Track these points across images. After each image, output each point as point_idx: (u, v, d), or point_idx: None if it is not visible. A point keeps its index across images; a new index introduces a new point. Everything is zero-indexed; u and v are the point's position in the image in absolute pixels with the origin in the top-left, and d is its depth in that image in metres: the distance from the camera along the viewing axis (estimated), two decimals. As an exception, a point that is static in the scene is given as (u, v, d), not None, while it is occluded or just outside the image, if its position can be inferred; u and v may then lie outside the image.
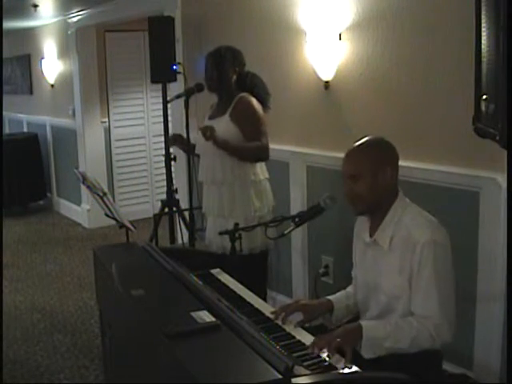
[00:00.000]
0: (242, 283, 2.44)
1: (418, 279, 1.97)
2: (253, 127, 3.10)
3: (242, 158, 3.10)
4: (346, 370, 1.70)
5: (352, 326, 1.95)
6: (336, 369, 1.71)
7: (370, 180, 2.02)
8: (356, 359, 1.80)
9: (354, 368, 1.71)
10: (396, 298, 2.03)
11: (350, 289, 2.34)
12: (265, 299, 2.38)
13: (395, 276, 2.02)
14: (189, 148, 3.43)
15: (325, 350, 1.79)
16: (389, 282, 2.04)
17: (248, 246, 3.04)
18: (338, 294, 2.30)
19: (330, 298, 2.25)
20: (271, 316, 2.11)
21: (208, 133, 3.01)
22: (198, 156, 3.39)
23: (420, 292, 1.96)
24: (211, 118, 3.26)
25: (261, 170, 3.22)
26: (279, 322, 2.06)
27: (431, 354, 2.02)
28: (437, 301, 1.94)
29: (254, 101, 3.14)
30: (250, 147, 3.10)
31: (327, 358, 1.76)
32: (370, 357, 1.88)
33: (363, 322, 1.95)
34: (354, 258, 2.31)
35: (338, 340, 1.81)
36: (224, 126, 3.09)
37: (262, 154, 3.14)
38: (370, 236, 2.12)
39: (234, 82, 3.18)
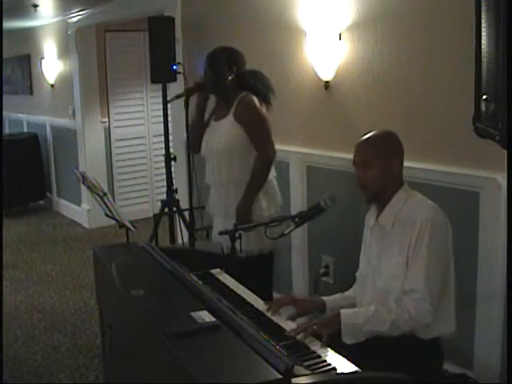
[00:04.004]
0: (244, 284, 2.44)
1: (412, 254, 2.03)
2: (259, 129, 3.07)
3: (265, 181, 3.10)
4: (322, 351, 1.81)
5: (331, 314, 2.08)
6: (336, 369, 1.71)
7: (380, 168, 2.12)
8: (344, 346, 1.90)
9: (346, 362, 1.74)
10: (393, 278, 2.07)
11: (347, 292, 2.37)
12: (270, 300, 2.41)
13: (395, 255, 2.08)
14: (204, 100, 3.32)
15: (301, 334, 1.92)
16: (389, 264, 2.10)
17: (256, 246, 3.05)
18: (333, 296, 2.35)
19: (323, 298, 2.31)
20: (267, 312, 2.12)
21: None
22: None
23: (412, 268, 2.03)
24: (216, 119, 3.22)
25: None
26: (269, 315, 2.11)
27: (432, 351, 2.03)
28: (423, 277, 1.99)
29: (256, 100, 3.11)
30: (263, 172, 3.07)
31: (302, 340, 1.88)
32: (351, 342, 1.98)
33: (342, 310, 2.03)
34: (361, 251, 2.35)
35: (315, 327, 1.93)
36: (228, 127, 3.07)
37: (271, 163, 3.11)
38: (376, 221, 2.20)
39: (231, 82, 3.13)
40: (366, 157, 2.14)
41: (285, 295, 2.30)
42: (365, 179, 2.15)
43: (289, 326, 2.02)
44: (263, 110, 3.13)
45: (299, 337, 1.91)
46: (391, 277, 2.08)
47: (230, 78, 3.14)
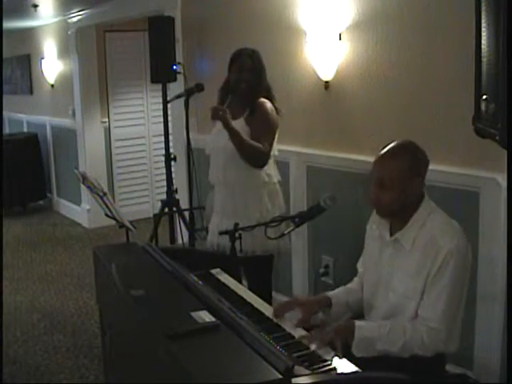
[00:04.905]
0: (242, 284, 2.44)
1: (432, 283, 1.96)
2: (261, 129, 3.04)
3: (242, 151, 2.99)
4: (337, 360, 1.75)
5: (345, 323, 1.99)
6: (336, 369, 1.71)
7: (399, 190, 1.99)
8: (352, 357, 1.81)
9: (347, 362, 1.73)
10: (408, 299, 2.01)
11: (350, 285, 2.33)
12: (270, 302, 2.39)
13: (411, 277, 2.00)
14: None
15: (315, 343, 1.85)
16: (403, 282, 2.03)
17: (259, 247, 3.04)
18: (337, 290, 2.30)
19: (328, 294, 2.26)
20: (271, 316, 2.11)
21: (221, 112, 2.95)
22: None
23: (430, 295, 1.96)
24: None
25: (274, 172, 3.18)
26: (278, 321, 2.06)
27: (435, 356, 2.02)
28: (442, 308, 1.94)
29: (272, 106, 3.10)
30: (252, 145, 2.99)
31: (315, 350, 1.82)
32: (361, 355, 1.90)
33: (357, 322, 1.96)
34: (363, 255, 2.31)
35: (330, 336, 1.86)
36: (237, 128, 3.04)
37: (259, 159, 3.04)
38: (391, 235, 2.11)
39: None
40: (385, 177, 2.00)
41: (289, 299, 2.23)
42: (380, 198, 2.03)
43: (288, 325, 1.99)
44: (275, 117, 3.11)
45: (313, 347, 1.84)
46: (405, 296, 2.02)
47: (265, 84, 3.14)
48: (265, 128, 3.06)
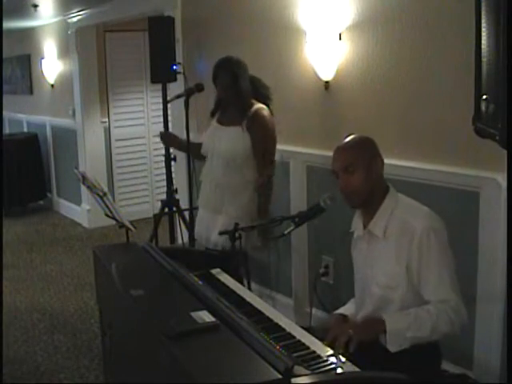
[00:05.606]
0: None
1: (425, 267, 1.99)
2: (265, 143, 3.19)
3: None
4: (322, 351, 1.76)
5: (374, 318, 2.00)
6: (336, 369, 1.71)
7: (365, 171, 2.07)
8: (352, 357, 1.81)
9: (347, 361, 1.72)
10: (391, 288, 2.04)
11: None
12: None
13: (391, 265, 2.04)
14: (181, 146, 3.62)
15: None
16: (385, 273, 2.06)
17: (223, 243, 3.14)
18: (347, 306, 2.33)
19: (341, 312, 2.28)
20: (271, 316, 2.11)
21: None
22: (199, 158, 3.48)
23: (431, 279, 1.99)
24: (221, 122, 3.31)
25: None
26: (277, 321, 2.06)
27: (431, 351, 2.02)
28: (449, 284, 1.98)
29: (269, 113, 3.22)
30: (269, 193, 3.26)
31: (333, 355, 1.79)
32: (396, 350, 1.91)
33: (384, 315, 1.97)
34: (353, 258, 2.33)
35: (350, 331, 1.87)
36: (240, 136, 3.17)
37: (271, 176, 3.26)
38: (364, 229, 2.16)
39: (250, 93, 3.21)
40: (348, 161, 2.08)
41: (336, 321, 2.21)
42: (350, 185, 2.08)
43: (305, 337, 1.93)
44: (274, 124, 3.23)
45: (333, 347, 1.83)
46: (389, 286, 2.04)
47: (249, 88, 3.21)
48: (268, 141, 3.21)
